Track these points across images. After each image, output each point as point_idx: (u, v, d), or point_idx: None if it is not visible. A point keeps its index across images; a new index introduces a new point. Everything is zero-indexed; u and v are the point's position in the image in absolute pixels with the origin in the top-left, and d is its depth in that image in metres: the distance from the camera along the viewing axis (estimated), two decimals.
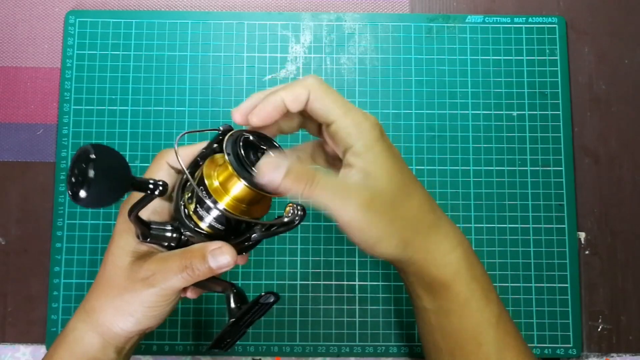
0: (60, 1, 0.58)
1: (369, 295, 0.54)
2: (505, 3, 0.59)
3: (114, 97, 0.56)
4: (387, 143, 0.39)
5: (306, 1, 0.59)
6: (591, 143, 0.57)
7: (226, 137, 0.37)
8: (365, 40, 0.57)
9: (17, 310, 0.54)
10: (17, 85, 0.57)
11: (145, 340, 0.53)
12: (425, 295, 0.40)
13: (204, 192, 0.37)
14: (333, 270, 0.54)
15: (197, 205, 0.38)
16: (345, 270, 0.54)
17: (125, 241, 0.39)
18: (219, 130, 0.40)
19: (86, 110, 0.56)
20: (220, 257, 0.37)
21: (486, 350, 0.39)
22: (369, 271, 0.54)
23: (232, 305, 0.39)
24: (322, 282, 0.54)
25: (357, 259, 0.54)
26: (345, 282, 0.54)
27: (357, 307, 0.54)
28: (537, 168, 0.56)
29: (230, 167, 0.36)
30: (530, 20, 0.58)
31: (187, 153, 0.41)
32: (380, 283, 0.54)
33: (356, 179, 0.37)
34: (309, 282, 0.54)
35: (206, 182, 0.37)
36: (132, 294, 0.38)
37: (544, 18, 0.58)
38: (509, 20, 0.58)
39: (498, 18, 0.58)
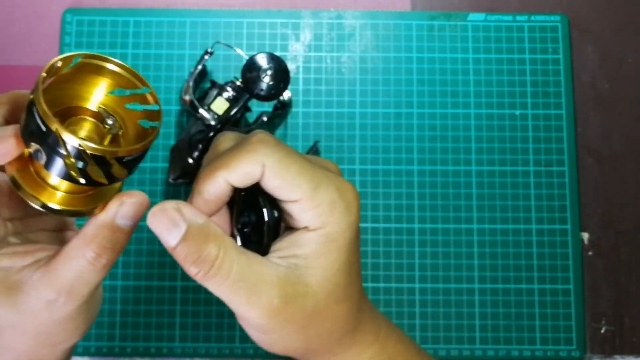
0: None
1: (369, 296, 0.53)
2: (507, 1, 0.58)
3: None
4: (357, 226, 0.30)
5: None
6: (595, 143, 0.56)
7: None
8: (366, 39, 0.57)
9: None
10: (13, 85, 0.56)
11: (143, 342, 0.52)
12: None
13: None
14: None
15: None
16: None
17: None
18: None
19: None
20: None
21: None
22: (369, 272, 0.53)
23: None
24: None
25: None
26: None
27: None
28: (540, 168, 0.55)
29: None
30: (532, 18, 0.57)
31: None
32: (380, 284, 0.53)
33: (282, 270, 0.29)
34: None
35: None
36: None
37: (546, 16, 0.57)
38: (511, 19, 0.57)
39: (500, 16, 0.57)
